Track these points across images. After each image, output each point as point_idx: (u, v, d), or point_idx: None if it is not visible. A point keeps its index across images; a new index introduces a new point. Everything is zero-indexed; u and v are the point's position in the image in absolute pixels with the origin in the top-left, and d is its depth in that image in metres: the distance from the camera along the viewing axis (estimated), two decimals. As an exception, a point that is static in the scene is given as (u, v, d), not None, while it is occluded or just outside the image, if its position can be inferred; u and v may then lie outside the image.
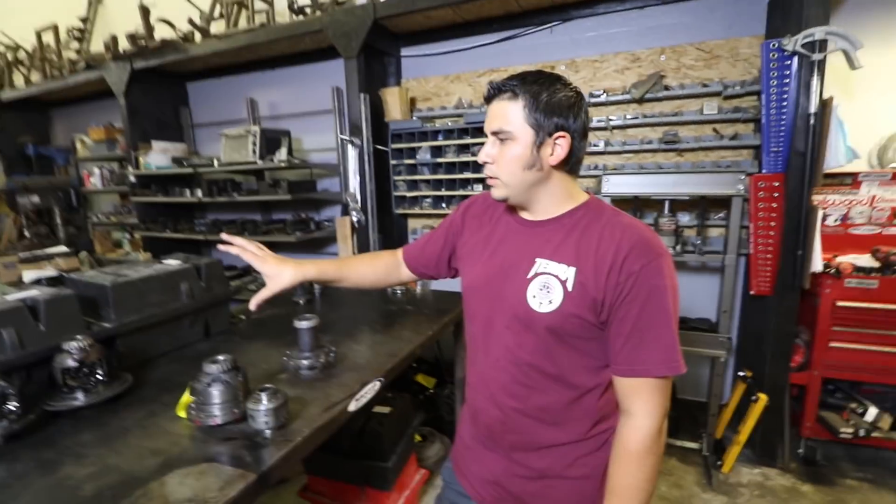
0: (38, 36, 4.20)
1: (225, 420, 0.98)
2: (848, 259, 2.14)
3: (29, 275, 2.93)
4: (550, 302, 0.83)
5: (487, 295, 0.94)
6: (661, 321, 0.80)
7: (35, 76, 4.27)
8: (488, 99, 0.88)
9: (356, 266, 1.21)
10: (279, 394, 0.99)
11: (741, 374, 2.28)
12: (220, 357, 1.02)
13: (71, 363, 1.08)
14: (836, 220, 2.33)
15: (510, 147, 0.85)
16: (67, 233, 4.49)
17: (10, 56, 4.34)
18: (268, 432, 0.96)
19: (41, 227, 4.46)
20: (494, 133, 0.87)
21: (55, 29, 4.16)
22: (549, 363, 0.87)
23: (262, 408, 0.95)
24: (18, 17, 4.41)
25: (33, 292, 1.23)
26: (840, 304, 2.09)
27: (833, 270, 2.08)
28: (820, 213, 2.01)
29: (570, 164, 0.88)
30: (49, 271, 3.08)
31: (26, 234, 4.42)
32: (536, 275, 0.86)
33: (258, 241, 3.57)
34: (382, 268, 1.23)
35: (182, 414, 1.04)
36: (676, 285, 0.83)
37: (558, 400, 0.89)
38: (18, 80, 4.38)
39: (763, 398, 2.09)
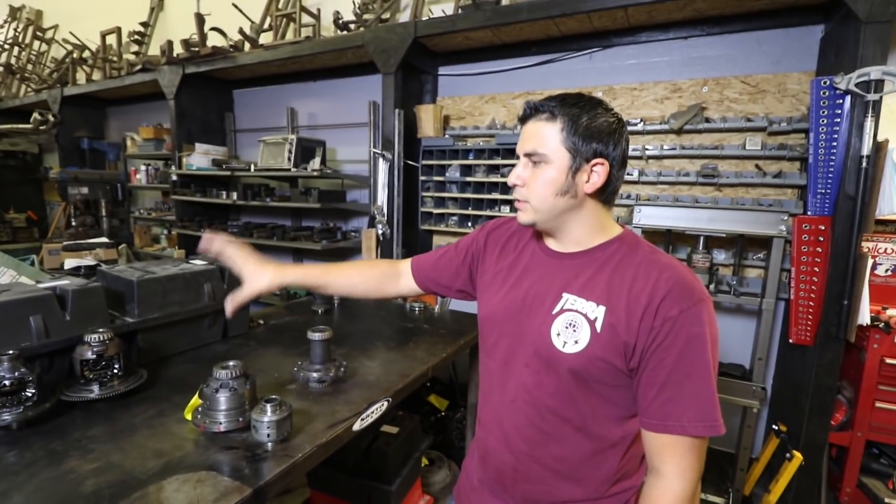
0: (103, 38, 4.51)
1: (229, 428, 0.97)
2: (899, 313, 1.99)
3: (70, 262, 3.08)
4: (576, 342, 0.77)
5: (507, 328, 0.88)
6: (698, 374, 0.72)
7: (96, 75, 4.57)
8: (524, 119, 0.84)
9: (345, 272, 1.16)
10: (284, 406, 0.97)
11: (775, 427, 2.13)
12: (231, 363, 1.01)
13: (90, 355, 1.10)
14: (887, 270, 2.18)
15: (543, 170, 0.80)
16: (111, 225, 4.72)
17: (76, 55, 4.66)
18: (269, 445, 0.95)
19: (88, 217, 4.70)
20: (528, 154, 0.82)
21: (118, 32, 4.45)
22: (570, 409, 0.80)
23: (266, 419, 0.94)
24: (88, 20, 4.75)
25: (64, 282, 1.27)
26: (889, 361, 1.93)
27: (882, 324, 1.94)
28: (869, 262, 1.88)
29: (606, 194, 0.83)
30: (89, 260, 3.22)
31: (73, 223, 4.67)
32: (562, 311, 0.81)
33: (286, 246, 3.53)
34: (377, 276, 1.17)
35: (189, 417, 1.04)
36: (717, 334, 0.75)
37: (578, 451, 0.82)
38: (81, 77, 4.70)
39: (798, 457, 1.93)
